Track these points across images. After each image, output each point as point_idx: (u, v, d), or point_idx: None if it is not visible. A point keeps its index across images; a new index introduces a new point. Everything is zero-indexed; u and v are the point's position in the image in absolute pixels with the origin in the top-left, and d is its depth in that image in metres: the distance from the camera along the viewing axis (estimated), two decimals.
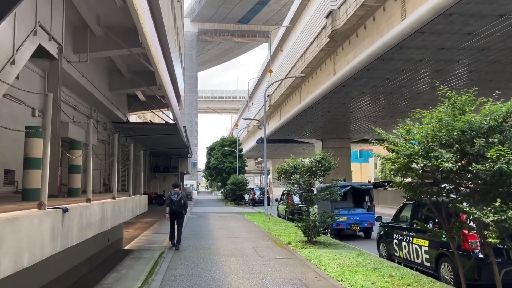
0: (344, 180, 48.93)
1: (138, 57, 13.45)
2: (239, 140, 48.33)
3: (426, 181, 6.53)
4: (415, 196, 6.81)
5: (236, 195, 37.30)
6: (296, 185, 12.27)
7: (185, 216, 11.86)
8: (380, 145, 7.37)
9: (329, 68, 28.31)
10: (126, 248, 10.13)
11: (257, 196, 38.15)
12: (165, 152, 41.10)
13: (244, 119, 27.12)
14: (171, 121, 26.53)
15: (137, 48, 10.72)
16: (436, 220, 7.35)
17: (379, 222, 10.46)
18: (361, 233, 14.83)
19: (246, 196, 40.49)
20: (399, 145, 6.45)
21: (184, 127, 25.39)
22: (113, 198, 7.52)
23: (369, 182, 64.57)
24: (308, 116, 38.77)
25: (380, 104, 33.67)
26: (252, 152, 76.79)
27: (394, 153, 6.53)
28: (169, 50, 15.33)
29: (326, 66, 29.39)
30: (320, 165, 11.69)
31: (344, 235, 14.18)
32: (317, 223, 11.93)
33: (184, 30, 37.36)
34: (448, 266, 7.36)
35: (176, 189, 11.69)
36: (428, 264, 7.99)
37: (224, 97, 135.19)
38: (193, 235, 13.69)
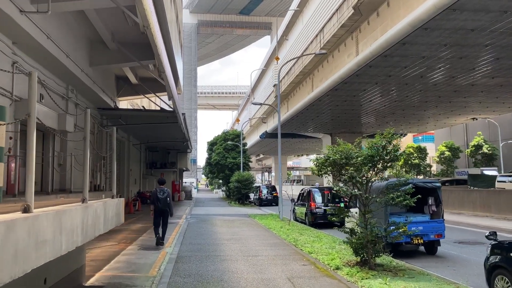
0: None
1: (126, 13, 9.48)
2: (242, 134, 44.47)
3: None
4: None
5: (241, 194, 33.43)
6: (344, 183, 8.46)
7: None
8: None
9: (350, 48, 24.48)
10: (88, 284, 6.31)
11: (264, 195, 34.30)
12: (162, 146, 37.27)
13: (254, 103, 23.23)
14: (168, 108, 22.72)
15: None
16: None
17: (491, 241, 6.60)
18: (422, 248, 11.03)
19: (252, 195, 36.63)
20: None
21: (183, 114, 21.54)
22: (83, 201, 3.86)
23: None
24: (320, 106, 34.99)
25: (392, 97, 30.06)
26: (254, 148, 72.99)
27: None
28: (165, 15, 11.59)
29: (346, 47, 25.51)
30: (385, 153, 7.87)
31: (400, 251, 10.36)
32: (377, 238, 8.13)
33: (183, 21, 33.49)
34: None
35: (161, 186, 11.12)
36: None
37: (224, 92, 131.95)
38: (195, 253, 9.85)
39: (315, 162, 8.85)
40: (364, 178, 7.93)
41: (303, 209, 18.68)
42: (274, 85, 44.26)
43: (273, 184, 62.08)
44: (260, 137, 59.13)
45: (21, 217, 3.16)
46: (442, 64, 21.27)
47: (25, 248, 2.86)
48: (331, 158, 8.16)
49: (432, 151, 57.15)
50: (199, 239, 12.36)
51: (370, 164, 7.86)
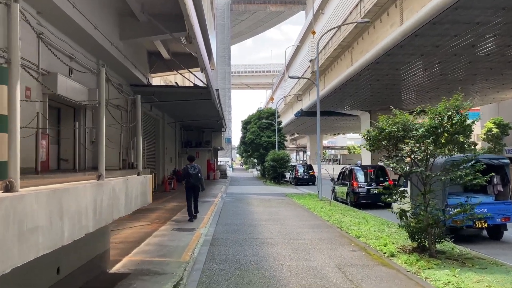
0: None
1: None
2: (277, 112, 43.38)
3: None
4: None
5: (276, 173, 32.59)
6: (398, 160, 7.35)
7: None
8: None
9: (394, 17, 22.76)
10: (113, 270, 5.63)
11: (300, 174, 33.33)
12: (197, 125, 36.85)
13: (291, 77, 22.10)
14: (201, 84, 21.98)
15: None
16: None
17: None
18: (484, 232, 9.82)
19: (287, 175, 35.73)
20: None
21: (217, 90, 20.72)
22: (98, 178, 3.24)
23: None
24: (359, 82, 33.34)
25: (437, 70, 28.06)
26: (289, 127, 71.72)
27: None
28: None
29: (389, 16, 23.77)
30: (449, 124, 6.70)
31: (458, 236, 9.19)
32: (439, 222, 7.05)
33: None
34: None
35: (191, 162, 11.35)
36: None
37: (258, 71, 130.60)
38: (231, 234, 9.10)
39: (365, 136, 7.77)
40: (425, 153, 6.80)
41: (344, 189, 17.60)
42: (310, 61, 42.65)
43: (308, 163, 60.94)
44: (295, 116, 57.79)
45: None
46: (497, 32, 19.32)
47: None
48: (386, 131, 7.06)
49: (477, 129, 54.13)
50: (235, 219, 11.62)
51: (433, 137, 6.71)
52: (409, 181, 10.44)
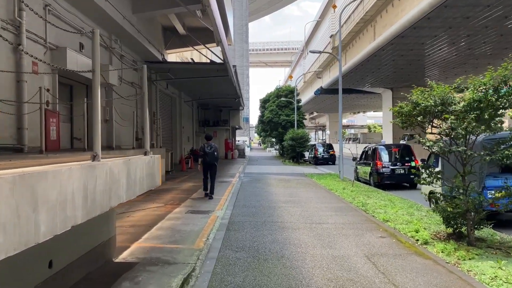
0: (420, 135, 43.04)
1: None
2: (296, 90, 42.35)
3: None
4: None
5: (295, 152, 31.89)
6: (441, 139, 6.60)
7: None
8: None
9: None
10: (119, 259, 5.13)
11: (320, 154, 32.58)
12: (214, 103, 36.29)
13: (312, 51, 21.16)
14: (218, 61, 21.26)
15: None
16: None
17: None
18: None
19: (306, 154, 35.00)
20: None
21: (234, 66, 19.97)
22: (93, 158, 2.67)
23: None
24: (382, 57, 32.06)
25: (465, 44, 26.62)
26: (308, 106, 70.46)
27: None
28: None
29: None
30: (495, 98, 5.89)
31: (498, 221, 8.42)
32: (480, 206, 6.33)
33: None
34: None
35: (209, 141, 11.65)
36: None
37: (276, 49, 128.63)
38: (249, 217, 8.55)
39: (396, 111, 7.00)
40: (466, 130, 6.03)
41: (367, 169, 16.85)
42: (331, 36, 41.26)
43: (327, 142, 60.01)
44: (314, 94, 56.59)
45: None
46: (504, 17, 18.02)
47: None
48: (422, 105, 6.29)
49: None
50: (253, 200, 11.08)
51: (476, 112, 5.92)
52: (440, 161, 9.67)
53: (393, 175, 15.66)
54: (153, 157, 4.92)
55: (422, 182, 6.98)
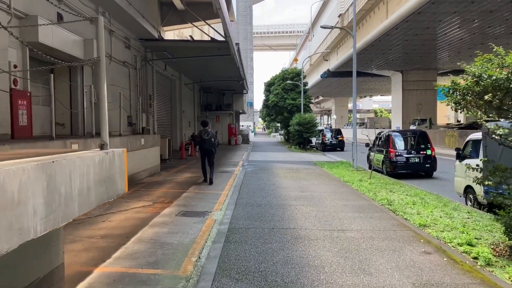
0: (431, 120, 40.46)
1: None
2: (303, 72, 40.44)
3: None
4: None
5: (302, 138, 30.22)
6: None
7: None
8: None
9: None
10: None
11: (328, 140, 30.90)
12: (216, 86, 34.52)
13: (323, 27, 19.30)
14: (219, 38, 19.49)
15: None
16: None
17: None
18: None
19: (313, 140, 33.29)
20: None
21: (237, 44, 18.19)
22: None
23: (458, 121, 54.84)
24: (394, 37, 30.16)
25: (482, 25, 24.76)
26: (313, 90, 68.50)
27: None
28: None
29: None
30: None
31: None
32: None
33: None
34: None
35: (205, 127, 11.18)
36: None
37: (281, 32, 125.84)
38: (253, 221, 6.95)
39: (451, 88, 5.31)
40: None
41: (380, 156, 15.27)
42: (339, 15, 39.15)
43: (334, 127, 58.25)
44: (321, 77, 54.65)
45: None
46: None
47: None
48: (492, 78, 4.60)
49: None
50: (258, 197, 9.48)
51: None
52: (482, 151, 8.03)
53: (408, 164, 14.42)
54: (113, 152, 3.30)
55: (486, 182, 5.32)
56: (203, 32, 21.46)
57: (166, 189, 10.18)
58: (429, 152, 14.57)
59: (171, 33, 21.37)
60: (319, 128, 36.62)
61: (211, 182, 11.05)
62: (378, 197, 9.31)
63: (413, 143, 15.00)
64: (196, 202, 8.48)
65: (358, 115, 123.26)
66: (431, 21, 25.55)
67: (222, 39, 17.36)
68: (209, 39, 20.25)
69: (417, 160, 14.45)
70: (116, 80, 14.77)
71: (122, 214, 7.10)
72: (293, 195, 9.68)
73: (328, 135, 31.31)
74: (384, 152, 14.99)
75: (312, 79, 61.50)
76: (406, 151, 14.59)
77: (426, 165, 14.51)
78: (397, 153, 14.57)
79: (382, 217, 7.42)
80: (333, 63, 48.22)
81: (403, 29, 27.79)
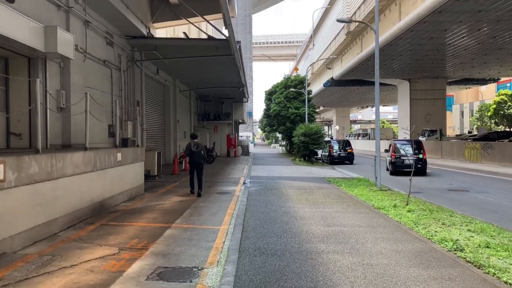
0: (441, 130, 39.45)
1: None
2: (306, 80, 38.05)
3: None
4: None
5: (308, 150, 27.65)
6: None
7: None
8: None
9: None
10: None
11: (335, 152, 28.29)
12: (215, 94, 32.02)
13: (339, 20, 16.83)
14: (218, 37, 17.06)
15: None
16: None
17: None
18: None
19: (319, 152, 30.70)
20: None
21: (238, 42, 15.72)
22: None
23: (470, 132, 52.35)
24: (408, 41, 27.85)
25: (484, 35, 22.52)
26: (315, 99, 65.91)
27: None
28: None
29: None
30: None
31: None
32: None
33: None
34: None
35: (194, 140, 11.44)
36: None
37: (280, 42, 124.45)
38: None
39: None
40: None
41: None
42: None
43: (340, 139, 55.71)
44: (324, 85, 52.26)
45: None
46: None
47: None
48: None
49: None
50: (270, 235, 6.88)
51: None
52: None
53: (403, 165, 18.43)
54: None
55: None
56: (200, 30, 19.01)
57: (144, 222, 7.55)
58: (420, 156, 18.38)
59: (163, 31, 18.90)
60: (327, 139, 34.09)
61: (199, 195, 10.89)
62: (437, 236, 6.71)
63: (410, 149, 18.84)
64: (182, 247, 5.87)
65: (358, 126, 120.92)
66: (450, 21, 23.24)
67: (221, 37, 14.94)
68: (206, 37, 17.80)
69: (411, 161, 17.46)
70: (92, 82, 12.25)
71: (61, 277, 4.46)
72: (318, 232, 7.07)
73: (336, 147, 28.73)
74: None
75: (314, 88, 59.15)
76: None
77: (418, 165, 18.00)
78: (396, 156, 18.75)
79: (465, 277, 4.82)
80: (337, 71, 45.91)
81: (418, 32, 25.47)
